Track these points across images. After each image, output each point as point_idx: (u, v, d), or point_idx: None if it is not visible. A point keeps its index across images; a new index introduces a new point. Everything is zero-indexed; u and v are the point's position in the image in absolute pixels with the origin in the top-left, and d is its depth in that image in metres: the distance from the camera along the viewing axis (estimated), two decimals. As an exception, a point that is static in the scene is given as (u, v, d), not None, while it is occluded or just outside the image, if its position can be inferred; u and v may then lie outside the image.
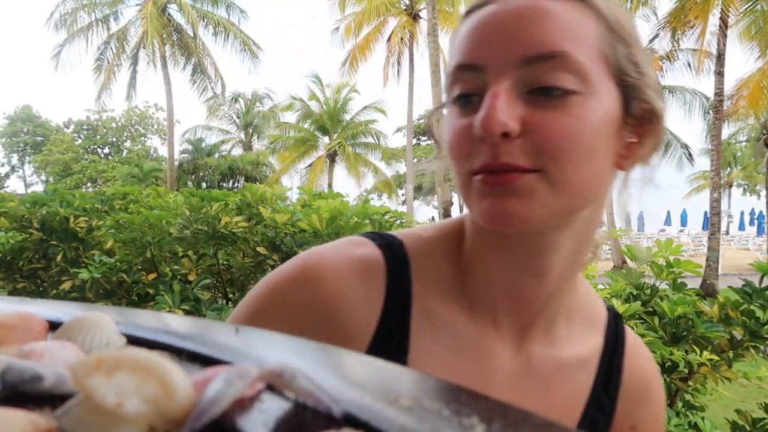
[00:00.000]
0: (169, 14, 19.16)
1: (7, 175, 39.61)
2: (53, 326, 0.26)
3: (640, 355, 0.66)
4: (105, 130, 36.00)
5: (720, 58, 12.45)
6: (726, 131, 21.01)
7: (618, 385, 0.63)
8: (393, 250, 0.57)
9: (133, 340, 0.25)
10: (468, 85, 0.50)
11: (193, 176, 27.77)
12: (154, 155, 36.22)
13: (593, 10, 0.50)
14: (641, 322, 2.12)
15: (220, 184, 26.80)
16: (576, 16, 0.48)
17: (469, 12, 0.54)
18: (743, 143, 28.26)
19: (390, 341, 0.55)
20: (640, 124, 0.53)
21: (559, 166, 0.46)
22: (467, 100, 0.50)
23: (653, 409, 0.65)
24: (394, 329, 0.55)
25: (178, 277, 2.95)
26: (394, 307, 0.55)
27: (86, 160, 34.48)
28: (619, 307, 1.92)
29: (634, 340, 0.67)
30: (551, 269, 0.54)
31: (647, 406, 0.65)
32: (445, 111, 0.59)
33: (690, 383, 2.12)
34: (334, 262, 0.55)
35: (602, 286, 2.25)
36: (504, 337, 0.58)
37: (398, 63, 19.44)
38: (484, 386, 0.57)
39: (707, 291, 11.76)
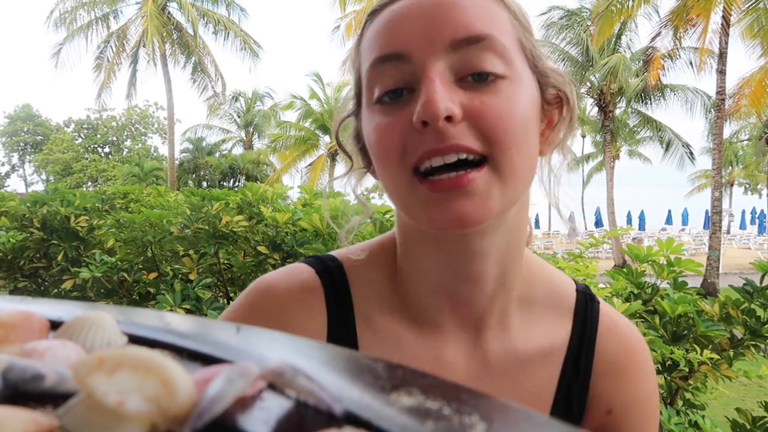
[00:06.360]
0: (169, 12, 19.13)
1: (7, 175, 39.65)
2: (54, 325, 0.26)
3: (614, 335, 0.60)
4: (105, 129, 36.01)
5: (722, 56, 12.43)
6: (728, 130, 21.02)
7: (589, 369, 0.59)
8: (331, 274, 0.59)
9: (135, 339, 0.25)
10: (392, 80, 0.48)
11: (194, 175, 27.80)
12: (155, 154, 36.24)
13: (502, 1, 0.51)
14: (642, 321, 2.12)
15: (221, 183, 26.82)
16: (489, 5, 0.49)
17: (375, 11, 0.52)
18: (745, 142, 28.22)
19: None
20: (553, 109, 0.55)
21: (504, 151, 0.46)
22: (393, 96, 0.48)
23: (632, 391, 0.59)
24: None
25: (179, 276, 2.95)
26: (338, 326, 0.57)
27: (87, 159, 34.50)
28: (620, 306, 1.92)
29: (609, 319, 0.61)
30: (487, 270, 0.54)
31: (623, 388, 0.59)
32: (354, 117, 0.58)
33: (690, 382, 2.12)
34: (279, 286, 0.58)
35: (603, 285, 2.25)
36: (456, 339, 0.57)
37: (399, 61, 19.34)
38: None
39: (708, 290, 11.76)
